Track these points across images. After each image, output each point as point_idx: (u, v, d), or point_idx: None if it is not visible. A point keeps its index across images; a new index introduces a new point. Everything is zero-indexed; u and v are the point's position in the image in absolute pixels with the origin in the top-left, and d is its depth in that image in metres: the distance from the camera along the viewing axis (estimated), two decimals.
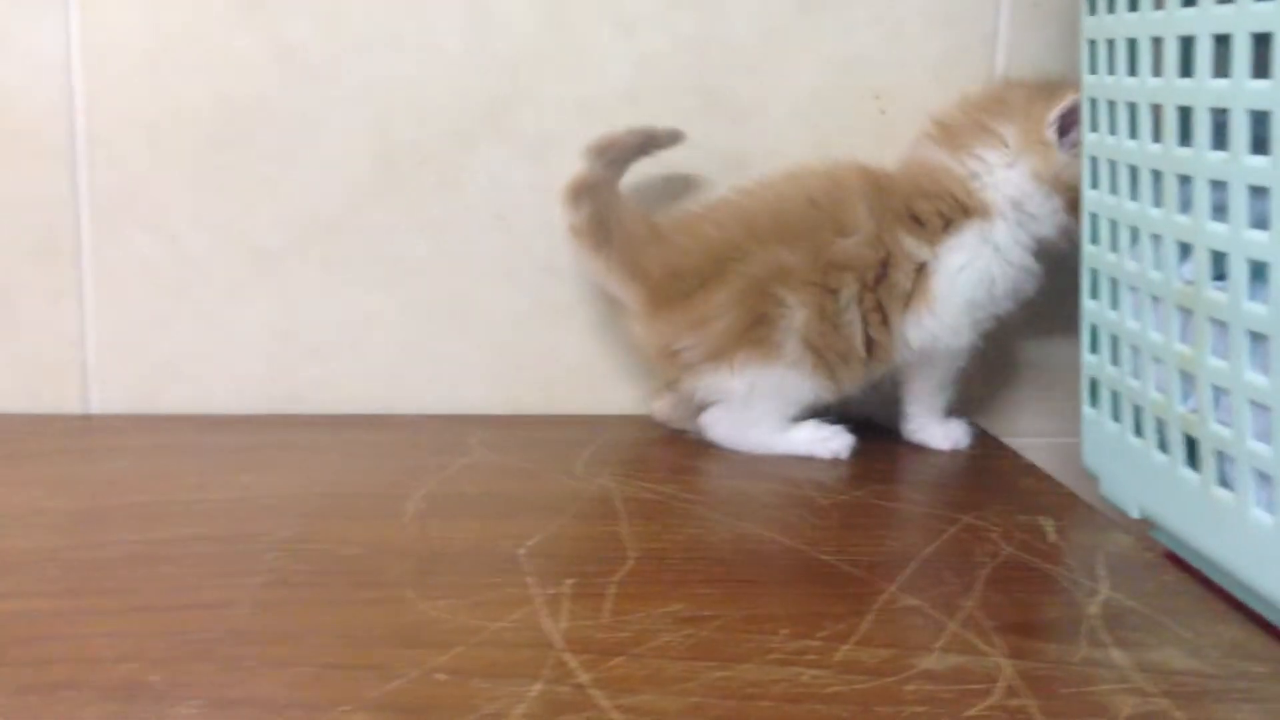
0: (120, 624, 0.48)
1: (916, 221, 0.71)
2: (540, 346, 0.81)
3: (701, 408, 0.73)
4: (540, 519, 0.61)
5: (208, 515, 0.60)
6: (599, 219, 0.72)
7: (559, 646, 0.47)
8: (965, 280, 0.71)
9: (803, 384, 0.71)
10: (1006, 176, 0.70)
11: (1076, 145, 0.68)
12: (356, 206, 0.78)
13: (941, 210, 0.71)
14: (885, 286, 0.71)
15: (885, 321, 0.71)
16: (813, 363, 0.70)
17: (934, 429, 0.76)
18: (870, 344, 0.71)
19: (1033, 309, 0.75)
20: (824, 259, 0.70)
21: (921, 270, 0.71)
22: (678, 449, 0.74)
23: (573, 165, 0.78)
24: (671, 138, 0.75)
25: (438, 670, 0.45)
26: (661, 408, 0.78)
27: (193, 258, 0.77)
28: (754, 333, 0.70)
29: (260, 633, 0.47)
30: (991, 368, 0.82)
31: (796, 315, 0.70)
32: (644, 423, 0.80)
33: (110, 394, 0.78)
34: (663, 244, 0.72)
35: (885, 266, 0.70)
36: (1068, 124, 0.68)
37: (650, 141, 0.75)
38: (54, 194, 0.76)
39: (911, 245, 0.71)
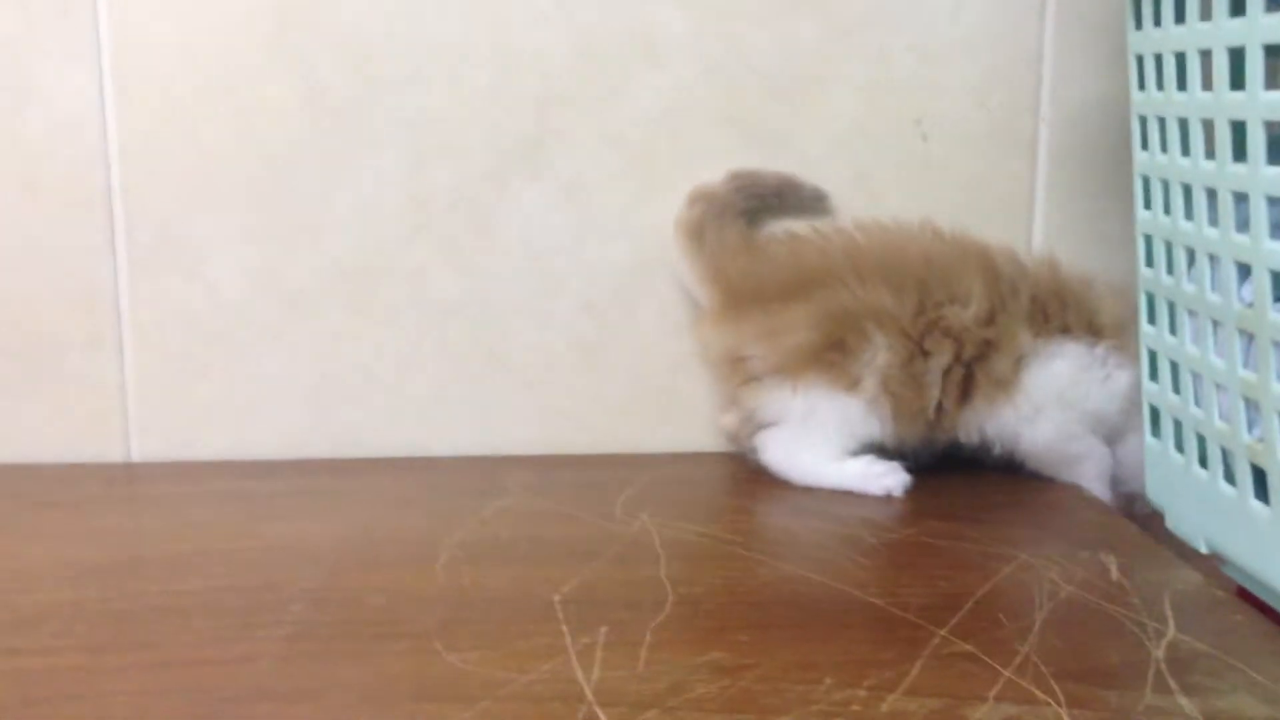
0: (142, 681, 0.47)
1: (1042, 318, 0.70)
2: (579, 385, 0.79)
3: (761, 427, 0.72)
4: (577, 563, 0.59)
5: (238, 564, 0.59)
6: (703, 222, 0.73)
7: (590, 699, 0.45)
8: (1058, 385, 0.70)
9: (863, 420, 0.70)
10: None
11: None
12: (390, 249, 0.77)
13: (1068, 319, 0.70)
14: (983, 367, 0.70)
15: (963, 397, 0.70)
16: (881, 404, 0.69)
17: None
18: (940, 411, 0.70)
19: None
20: (928, 317, 0.69)
21: (1019, 361, 0.70)
22: (721, 487, 0.72)
23: (606, 202, 0.77)
24: (816, 198, 0.76)
25: None
26: (729, 422, 0.76)
27: (230, 304, 0.77)
28: (828, 356, 0.69)
29: (282, 690, 0.46)
30: None
31: (880, 355, 0.69)
32: (687, 460, 0.78)
33: (151, 442, 0.78)
34: (754, 255, 0.73)
35: (989, 348, 0.69)
36: None
37: (789, 189, 0.76)
38: (91, 244, 0.76)
39: (1026, 338, 0.70)
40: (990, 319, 0.70)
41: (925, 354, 0.69)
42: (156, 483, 0.73)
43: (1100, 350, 0.70)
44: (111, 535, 0.64)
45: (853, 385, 0.69)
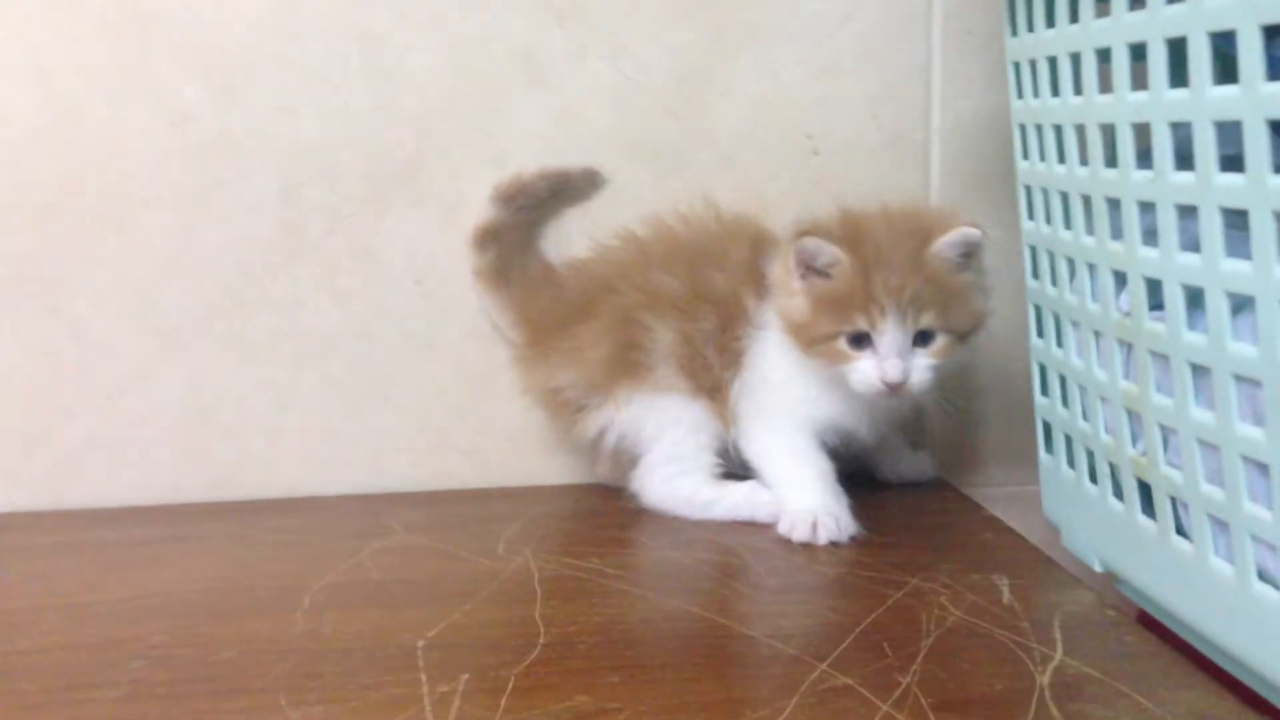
0: None
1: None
2: (467, 417, 0.76)
3: (628, 465, 0.69)
4: (448, 605, 0.56)
5: (83, 620, 0.55)
6: (502, 264, 0.72)
7: None
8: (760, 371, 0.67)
9: (689, 408, 0.67)
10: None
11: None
12: (263, 279, 0.74)
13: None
14: (727, 338, 0.67)
15: (733, 368, 0.67)
16: (688, 387, 0.67)
17: (894, 467, 0.74)
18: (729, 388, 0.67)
19: (994, 344, 0.70)
20: (695, 289, 0.67)
21: (747, 330, 0.67)
22: (612, 519, 0.69)
23: None
24: (587, 178, 0.73)
25: None
26: (602, 472, 0.73)
27: (94, 341, 0.73)
28: (626, 359, 0.67)
29: None
30: (952, 411, 0.77)
31: (661, 338, 0.67)
32: (579, 492, 0.75)
33: (14, 490, 0.74)
34: (554, 286, 0.71)
35: (741, 313, 0.67)
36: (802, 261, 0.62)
37: (563, 183, 0.73)
38: None
39: (753, 307, 0.66)
40: (747, 283, 0.66)
41: (696, 324, 0.66)
42: (15, 533, 0.69)
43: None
44: None
45: (655, 377, 0.67)
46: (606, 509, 0.71)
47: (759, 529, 0.66)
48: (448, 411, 0.76)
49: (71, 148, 0.71)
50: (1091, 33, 0.50)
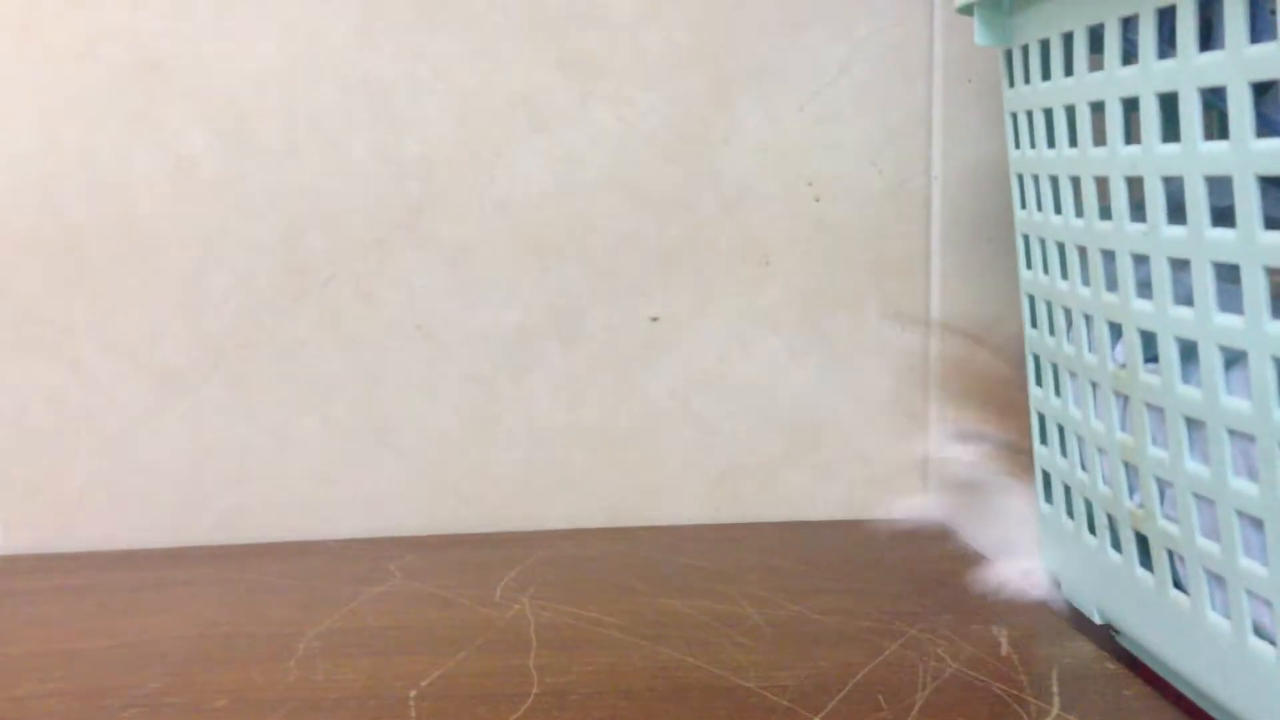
0: None
1: None
2: (469, 461, 0.76)
3: None
4: (443, 653, 0.56)
5: (77, 667, 0.55)
6: None
7: None
8: None
9: None
10: None
11: None
12: (267, 323, 0.74)
13: None
14: None
15: None
16: None
17: None
18: None
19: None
20: None
21: None
22: (611, 564, 0.69)
23: (493, 270, 0.75)
24: None
25: None
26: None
27: (98, 384, 0.74)
28: None
29: None
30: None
31: None
32: (580, 537, 0.75)
33: (16, 534, 0.74)
34: None
35: None
36: None
37: None
38: None
39: None
40: None
41: None
42: (15, 577, 0.69)
43: None
44: None
45: None
46: (605, 554, 0.71)
47: (758, 576, 0.66)
48: (449, 455, 0.76)
49: (77, 191, 0.72)
50: (1086, 86, 0.51)
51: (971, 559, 0.69)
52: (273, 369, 0.74)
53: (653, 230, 0.75)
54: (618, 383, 0.76)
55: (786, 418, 0.77)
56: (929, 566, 0.68)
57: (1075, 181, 0.53)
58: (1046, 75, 0.55)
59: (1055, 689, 0.51)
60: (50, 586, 0.67)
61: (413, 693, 0.52)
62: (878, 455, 0.78)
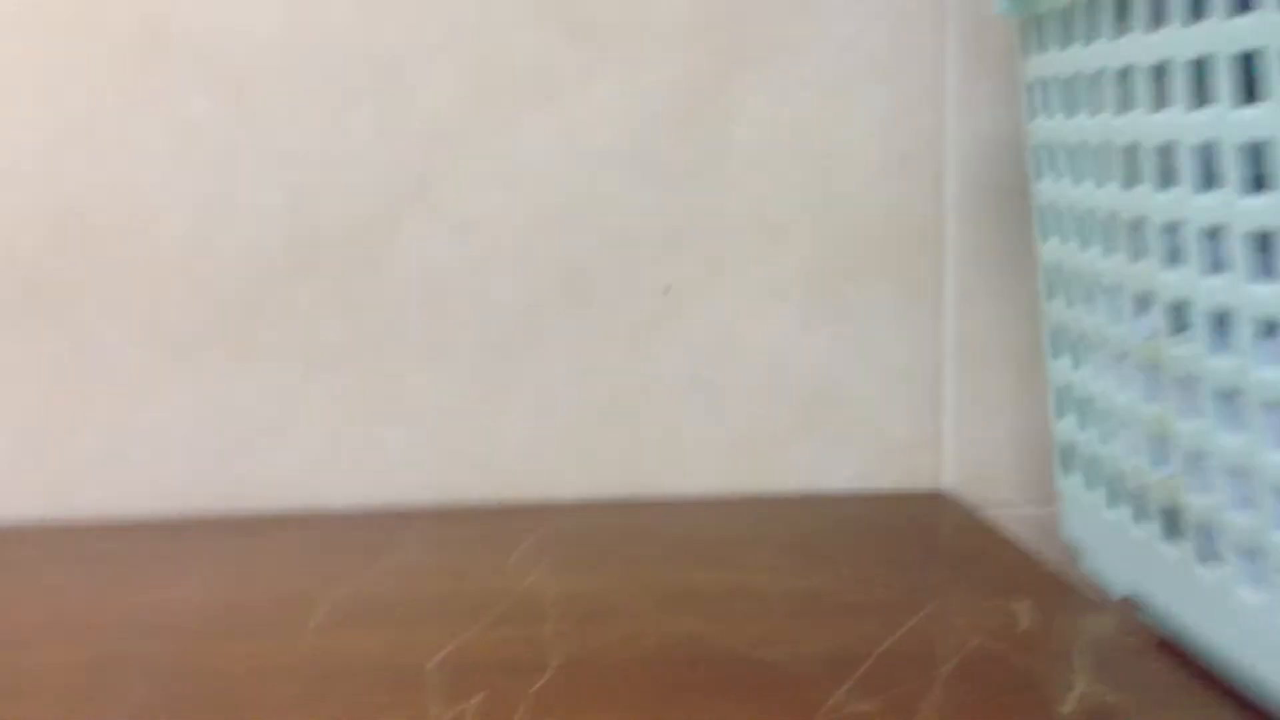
0: None
1: None
2: (482, 429, 0.76)
3: None
4: (459, 624, 0.55)
5: (87, 637, 0.54)
6: None
7: None
8: None
9: None
10: None
11: None
12: (274, 290, 0.73)
13: None
14: None
15: None
16: None
17: None
18: None
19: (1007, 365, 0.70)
20: None
21: None
22: (625, 535, 0.68)
23: (502, 240, 0.74)
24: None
25: None
26: None
27: (102, 352, 0.73)
28: None
29: None
30: (966, 427, 0.76)
31: None
32: (595, 508, 0.74)
33: (18, 502, 0.73)
34: None
35: None
36: None
37: None
38: None
39: None
40: None
41: None
42: (17, 546, 0.68)
43: None
44: None
45: None
46: (619, 525, 0.70)
47: (775, 548, 0.65)
48: (460, 425, 0.75)
49: (80, 159, 0.71)
50: (1112, 53, 0.50)
51: (987, 530, 0.68)
52: (279, 337, 0.74)
53: (664, 200, 0.75)
54: (630, 353, 0.76)
55: (800, 388, 0.77)
56: (945, 539, 0.68)
57: (1099, 151, 0.52)
58: (1068, 43, 0.54)
59: (1080, 663, 0.51)
60: (56, 556, 0.66)
61: (430, 663, 0.51)
62: (892, 426, 0.77)
